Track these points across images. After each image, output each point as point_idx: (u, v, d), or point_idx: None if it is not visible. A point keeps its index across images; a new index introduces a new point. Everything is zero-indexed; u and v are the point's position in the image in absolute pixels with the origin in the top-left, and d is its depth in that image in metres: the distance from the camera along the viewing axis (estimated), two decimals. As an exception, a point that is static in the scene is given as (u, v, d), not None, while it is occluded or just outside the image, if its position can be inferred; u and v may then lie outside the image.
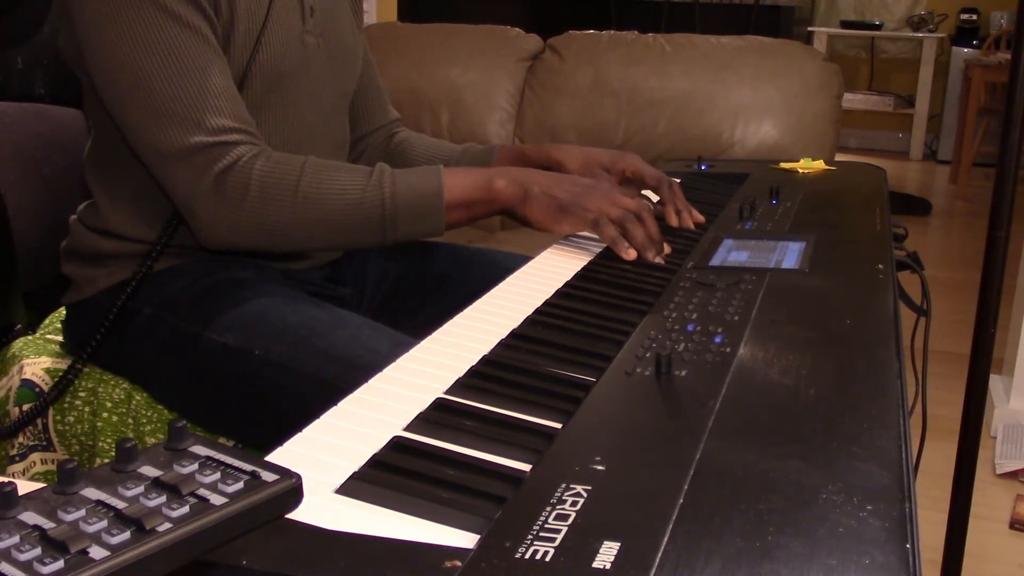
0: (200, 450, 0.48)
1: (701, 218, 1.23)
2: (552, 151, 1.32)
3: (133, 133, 1.05)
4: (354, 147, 1.40)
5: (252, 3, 1.10)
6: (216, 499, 0.45)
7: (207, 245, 1.08)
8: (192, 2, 1.04)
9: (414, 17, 4.57)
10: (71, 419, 1.21)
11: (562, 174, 1.15)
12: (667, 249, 1.08)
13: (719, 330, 0.80)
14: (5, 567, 0.40)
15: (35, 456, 1.22)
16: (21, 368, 1.24)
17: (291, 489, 0.47)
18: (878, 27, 6.67)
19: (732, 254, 1.05)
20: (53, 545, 0.41)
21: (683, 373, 0.71)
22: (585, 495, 0.54)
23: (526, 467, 0.59)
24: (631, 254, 1.05)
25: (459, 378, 0.73)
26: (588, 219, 1.07)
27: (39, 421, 1.22)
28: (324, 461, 0.60)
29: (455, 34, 2.78)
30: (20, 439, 1.22)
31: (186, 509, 0.44)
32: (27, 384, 1.22)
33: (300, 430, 0.64)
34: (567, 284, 0.98)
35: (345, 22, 1.27)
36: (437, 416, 0.67)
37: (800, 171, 1.59)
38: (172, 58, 1.02)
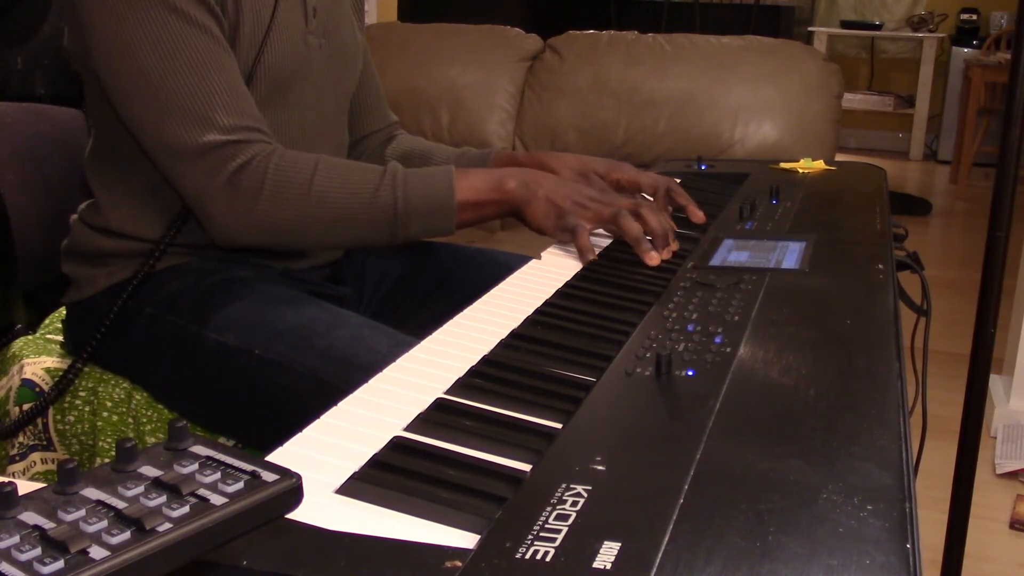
0: (200, 450, 0.48)
1: (702, 215, 1.22)
2: (546, 159, 1.32)
3: (144, 132, 1.05)
4: (353, 149, 1.40)
5: (257, 3, 1.11)
6: (216, 499, 0.45)
7: (220, 243, 1.08)
8: (201, 1, 1.04)
9: (414, 17, 4.57)
10: (71, 419, 1.21)
11: (571, 181, 1.15)
12: (674, 245, 1.07)
13: (719, 330, 0.80)
14: (5, 567, 0.40)
15: (35, 456, 1.22)
16: (21, 368, 1.24)
17: (291, 489, 0.47)
18: (878, 27, 6.67)
19: (732, 254, 1.05)
20: (53, 545, 0.41)
21: (683, 373, 0.71)
22: (585, 495, 0.54)
23: (526, 467, 0.59)
24: (588, 257, 1.04)
25: (459, 378, 0.73)
26: (569, 227, 1.08)
27: (39, 421, 1.22)
28: (324, 461, 0.60)
29: (455, 34, 2.78)
30: (20, 439, 1.22)
31: (186, 509, 0.44)
32: (27, 384, 1.22)
33: (300, 430, 0.64)
34: (567, 284, 0.98)
35: (346, 23, 1.27)
36: (437, 416, 0.67)
37: (800, 171, 1.59)
38: (183, 57, 1.02)
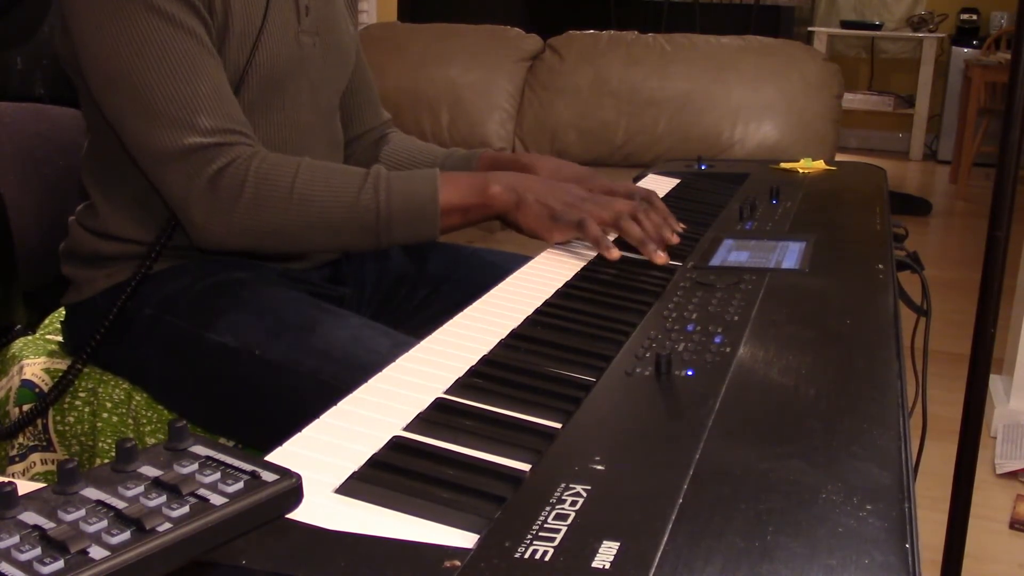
0: (200, 450, 0.48)
1: (680, 226, 1.17)
2: (525, 161, 1.31)
3: (128, 135, 1.05)
4: (346, 148, 1.39)
5: (248, 4, 1.10)
6: (216, 499, 0.45)
7: (201, 246, 1.08)
8: (186, 3, 1.04)
9: (414, 17, 4.57)
10: (71, 419, 1.21)
11: (558, 182, 1.14)
12: (675, 239, 1.06)
13: (719, 330, 0.80)
14: (5, 567, 0.40)
15: (35, 456, 1.22)
16: (21, 368, 1.24)
17: (291, 489, 0.47)
18: (878, 27, 6.67)
19: (732, 254, 1.05)
20: (53, 545, 0.41)
21: (683, 373, 0.71)
22: (585, 495, 0.54)
23: (526, 467, 0.59)
24: (614, 254, 1.04)
25: (459, 378, 0.73)
26: (573, 222, 1.07)
27: (39, 421, 1.22)
28: (324, 461, 0.60)
29: (455, 34, 2.78)
30: (20, 439, 1.22)
31: (186, 509, 0.44)
32: (27, 384, 1.22)
33: (300, 430, 0.64)
34: (567, 284, 0.98)
35: (340, 20, 1.27)
36: (437, 416, 0.67)
37: (800, 171, 1.59)
38: (166, 60, 1.02)
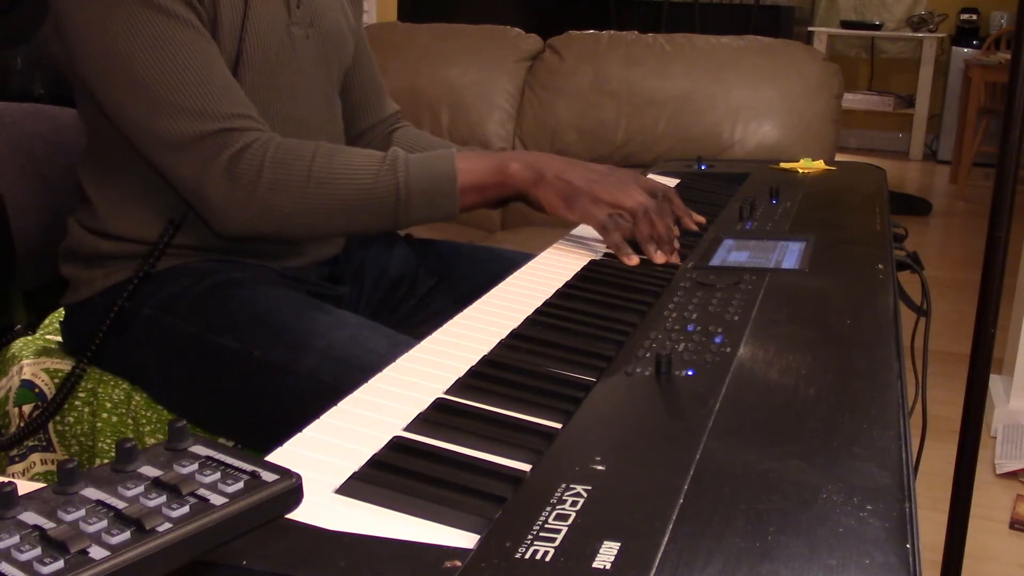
0: (200, 450, 0.48)
1: (701, 219, 1.22)
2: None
3: (135, 129, 1.05)
4: (355, 143, 1.39)
5: None
6: (216, 499, 0.45)
7: (220, 232, 1.08)
8: None
9: (414, 17, 4.56)
10: (71, 419, 1.21)
11: (578, 160, 1.14)
12: (676, 259, 1.06)
13: (719, 330, 0.80)
14: (5, 567, 0.40)
15: (35, 456, 1.22)
16: (21, 368, 1.24)
17: (291, 489, 0.47)
18: (878, 27, 6.67)
19: (732, 254, 1.05)
20: (53, 545, 0.41)
21: (683, 373, 0.71)
22: (585, 495, 0.54)
23: (526, 467, 0.59)
24: (633, 260, 1.05)
25: (459, 378, 0.73)
26: (598, 219, 1.07)
27: (39, 421, 1.22)
28: (324, 461, 0.60)
29: (455, 34, 2.77)
30: (20, 439, 1.22)
31: (186, 509, 0.44)
32: (26, 384, 1.22)
33: (300, 430, 0.64)
34: (567, 284, 0.98)
35: (337, 12, 1.26)
36: (437, 416, 0.67)
37: (800, 171, 1.59)
38: (167, 51, 1.02)
